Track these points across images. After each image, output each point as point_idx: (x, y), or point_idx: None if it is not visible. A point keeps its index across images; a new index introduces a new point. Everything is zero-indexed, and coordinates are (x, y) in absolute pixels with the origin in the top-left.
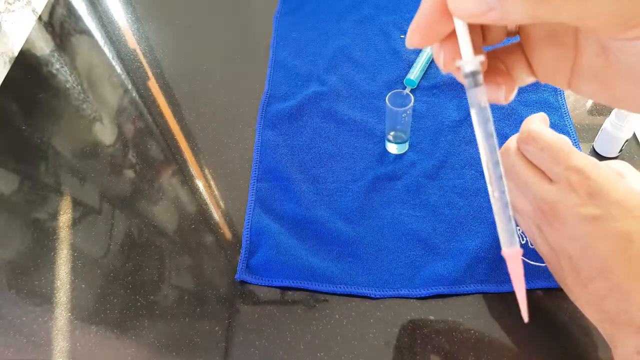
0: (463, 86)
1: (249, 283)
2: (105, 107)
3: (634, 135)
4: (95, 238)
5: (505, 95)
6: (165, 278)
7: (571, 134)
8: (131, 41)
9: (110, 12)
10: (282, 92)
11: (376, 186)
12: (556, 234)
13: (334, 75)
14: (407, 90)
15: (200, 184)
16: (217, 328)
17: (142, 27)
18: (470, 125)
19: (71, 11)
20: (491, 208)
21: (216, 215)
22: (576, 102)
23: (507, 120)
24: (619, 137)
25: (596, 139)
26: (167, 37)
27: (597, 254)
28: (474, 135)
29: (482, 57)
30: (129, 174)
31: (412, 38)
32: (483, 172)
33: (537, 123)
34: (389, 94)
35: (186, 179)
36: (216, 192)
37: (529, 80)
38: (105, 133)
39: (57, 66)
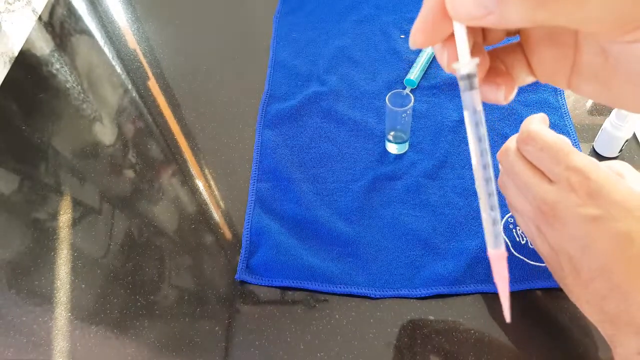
0: None
1: (249, 283)
2: (105, 107)
3: (634, 135)
4: (95, 238)
5: (505, 96)
6: (165, 278)
7: (571, 134)
8: (131, 41)
9: (110, 12)
10: (282, 92)
11: (376, 186)
12: (556, 234)
13: (334, 75)
14: (407, 90)
15: (200, 184)
16: (217, 328)
17: (142, 27)
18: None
19: (71, 11)
20: None
21: (216, 215)
22: (576, 102)
23: (507, 120)
24: (619, 137)
25: (596, 139)
26: (167, 37)
27: (597, 254)
28: None
29: (477, 60)
30: (129, 174)
31: (415, 38)
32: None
33: (536, 123)
34: (389, 94)
35: (186, 179)
36: (216, 192)
37: (529, 79)
38: (105, 133)
39: (57, 66)
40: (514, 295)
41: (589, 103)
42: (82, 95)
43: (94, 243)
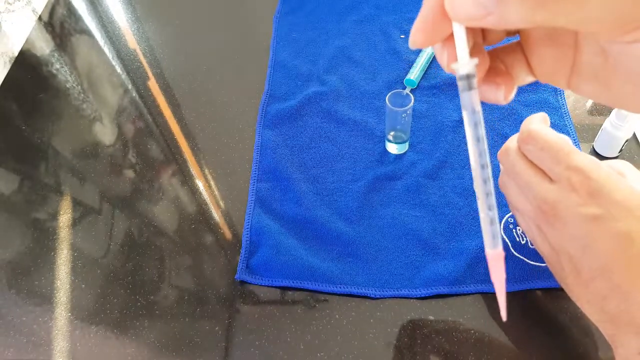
0: None
1: (249, 283)
2: (105, 107)
3: (634, 135)
4: (95, 238)
5: (505, 95)
6: (165, 278)
7: (571, 134)
8: (131, 41)
9: (110, 12)
10: (282, 92)
11: (376, 186)
12: (557, 233)
13: (334, 75)
14: (407, 90)
15: (200, 184)
16: (217, 328)
17: (142, 27)
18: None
19: (71, 11)
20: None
21: (216, 215)
22: (576, 102)
23: (507, 120)
24: (619, 137)
25: (596, 139)
26: (167, 37)
27: (598, 253)
28: None
29: (476, 60)
30: (129, 174)
31: (415, 38)
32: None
33: (537, 123)
34: (389, 94)
35: (186, 179)
36: (216, 192)
37: (529, 79)
38: (105, 133)
39: (57, 66)
40: (514, 295)
41: (589, 103)
42: (82, 95)
43: (94, 243)
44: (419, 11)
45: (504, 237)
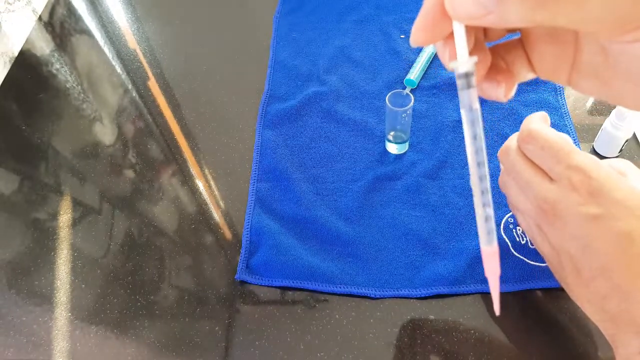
0: None
1: (249, 283)
2: (105, 107)
3: (634, 135)
4: (95, 238)
5: (505, 93)
6: (165, 278)
7: (571, 134)
8: (131, 41)
9: (110, 12)
10: (282, 92)
11: (376, 186)
12: (557, 233)
13: (334, 75)
14: (407, 90)
15: (200, 184)
16: (217, 328)
17: (142, 27)
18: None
19: (71, 11)
20: None
21: (216, 215)
22: (576, 102)
23: (507, 120)
24: (619, 137)
25: (596, 139)
26: (167, 37)
27: (598, 253)
28: None
29: (475, 59)
30: (129, 174)
31: (416, 37)
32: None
33: (537, 122)
34: (389, 94)
35: (186, 179)
36: (216, 192)
37: (529, 76)
38: (105, 133)
39: (57, 66)
40: (514, 295)
41: (589, 103)
42: (82, 95)
43: (94, 243)
44: (419, 11)
45: (504, 237)
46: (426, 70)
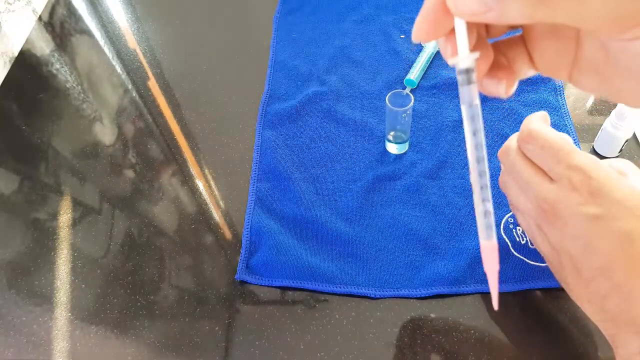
0: None
1: (249, 283)
2: (105, 107)
3: (634, 135)
4: (95, 238)
5: (506, 90)
6: (165, 278)
7: (571, 134)
8: (131, 41)
9: (110, 12)
10: (282, 92)
11: (376, 186)
12: (557, 233)
13: (334, 75)
14: (407, 90)
15: (200, 184)
16: (217, 328)
17: (142, 27)
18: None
19: (71, 11)
20: None
21: (216, 215)
22: (576, 102)
23: (507, 120)
24: (619, 137)
25: (596, 139)
26: (167, 37)
27: (599, 253)
28: None
29: (476, 55)
30: (129, 174)
31: (418, 32)
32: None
33: (537, 122)
34: (389, 94)
35: (186, 179)
36: (216, 192)
37: (530, 72)
38: (105, 133)
39: (57, 66)
40: (514, 295)
41: (589, 103)
42: (82, 95)
43: (94, 243)
44: (419, 11)
45: (504, 237)
46: (426, 70)
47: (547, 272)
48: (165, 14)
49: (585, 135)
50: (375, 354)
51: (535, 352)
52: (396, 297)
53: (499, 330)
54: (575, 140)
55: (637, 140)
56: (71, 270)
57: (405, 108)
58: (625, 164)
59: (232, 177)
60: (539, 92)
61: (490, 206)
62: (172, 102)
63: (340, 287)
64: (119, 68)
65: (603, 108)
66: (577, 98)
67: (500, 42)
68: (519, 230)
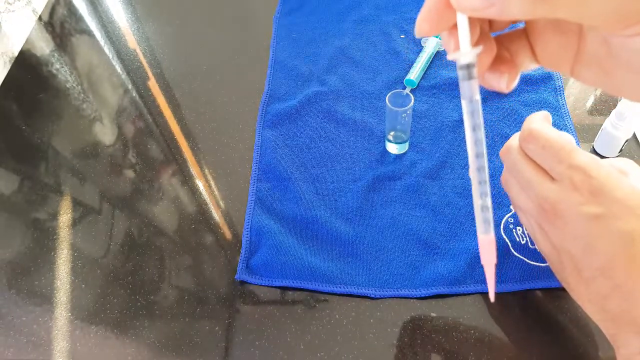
0: None
1: (249, 283)
2: (105, 107)
3: (634, 135)
4: (95, 238)
5: (507, 84)
6: (165, 278)
7: (571, 134)
8: (131, 41)
9: (110, 12)
10: (282, 92)
11: (376, 186)
12: (558, 232)
13: (334, 75)
14: (407, 90)
15: (200, 184)
16: (217, 328)
17: (142, 27)
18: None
19: (71, 11)
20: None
21: (216, 215)
22: (576, 102)
23: (507, 120)
24: (619, 137)
25: (596, 139)
26: (167, 37)
27: (599, 252)
28: None
29: (478, 50)
30: (129, 174)
31: (420, 27)
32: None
33: (539, 121)
34: (389, 94)
35: (186, 179)
36: (216, 192)
37: (532, 66)
38: (105, 133)
39: (57, 66)
40: (514, 295)
41: (589, 103)
42: (82, 95)
43: (94, 243)
44: (418, 11)
45: (504, 237)
46: (426, 70)
47: (547, 272)
48: (165, 14)
49: (585, 135)
50: (375, 354)
51: (535, 352)
52: (396, 297)
53: (499, 330)
54: (575, 140)
55: (637, 140)
56: (71, 270)
57: (405, 108)
58: (626, 163)
59: (232, 177)
60: (539, 92)
61: (488, 201)
62: (172, 102)
63: (340, 287)
64: (119, 68)
65: (603, 108)
66: (577, 98)
67: (503, 36)
68: (519, 230)
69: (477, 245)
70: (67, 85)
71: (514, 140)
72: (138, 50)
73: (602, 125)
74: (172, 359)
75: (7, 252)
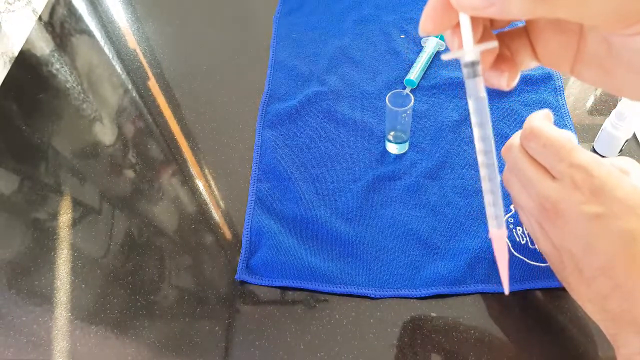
0: (463, 86)
1: (249, 283)
2: (105, 107)
3: (634, 135)
4: (95, 238)
5: (508, 82)
6: (165, 278)
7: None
8: (131, 41)
9: (110, 12)
10: (282, 92)
11: (376, 186)
12: (558, 231)
13: (334, 75)
14: (407, 90)
15: (200, 184)
16: (217, 328)
17: (142, 27)
18: (471, 125)
19: (71, 11)
20: None
21: (216, 215)
22: (576, 102)
23: (507, 120)
24: (619, 137)
25: (596, 139)
26: (167, 37)
27: (600, 252)
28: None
29: (481, 48)
30: (129, 174)
31: (424, 25)
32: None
33: (540, 120)
34: (389, 94)
35: (186, 179)
36: (216, 192)
37: (533, 64)
38: (105, 133)
39: (57, 66)
40: (514, 295)
41: (589, 103)
42: (82, 95)
43: (94, 243)
44: (419, 11)
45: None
46: (426, 70)
47: (547, 272)
48: (165, 14)
49: (585, 135)
50: (375, 354)
51: (535, 352)
52: (396, 297)
53: (499, 330)
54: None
55: (637, 140)
56: (71, 270)
57: (405, 108)
58: (627, 162)
59: (232, 177)
60: (539, 92)
61: (498, 197)
62: (172, 102)
63: (340, 287)
64: (119, 68)
65: (603, 108)
66: (577, 98)
67: (503, 34)
68: (519, 230)
69: (477, 245)
70: (67, 85)
71: (516, 138)
72: (138, 50)
73: (602, 125)
74: (172, 359)
75: (7, 252)
